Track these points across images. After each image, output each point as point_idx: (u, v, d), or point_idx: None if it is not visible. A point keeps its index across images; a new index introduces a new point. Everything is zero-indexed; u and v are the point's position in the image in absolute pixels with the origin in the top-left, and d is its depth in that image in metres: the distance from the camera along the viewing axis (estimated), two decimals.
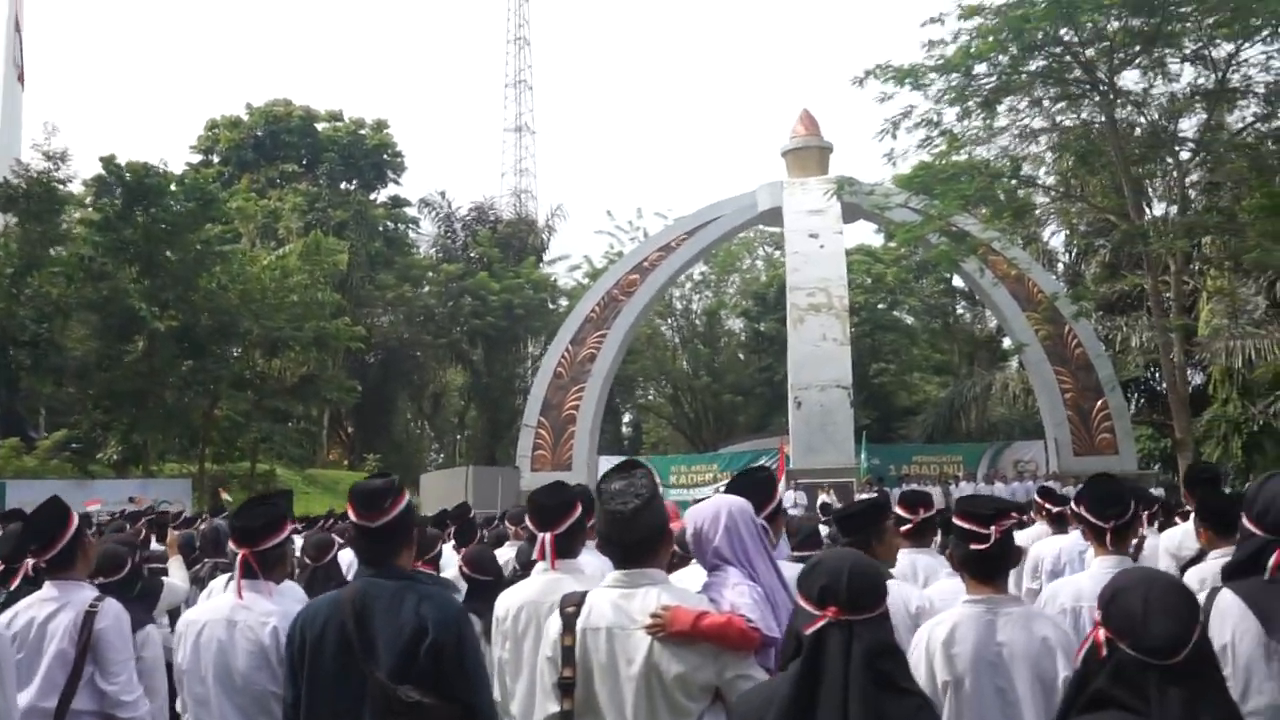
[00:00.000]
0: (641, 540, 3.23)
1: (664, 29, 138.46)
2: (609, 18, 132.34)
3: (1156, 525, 8.36)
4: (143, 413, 25.30)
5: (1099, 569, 4.26)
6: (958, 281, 42.71)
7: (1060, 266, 42.01)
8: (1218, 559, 4.24)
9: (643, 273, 33.22)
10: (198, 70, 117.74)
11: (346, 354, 40.39)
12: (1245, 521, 3.27)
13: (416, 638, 3.22)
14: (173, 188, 24.39)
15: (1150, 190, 31.10)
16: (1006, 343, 39.57)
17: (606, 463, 33.02)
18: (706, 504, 3.69)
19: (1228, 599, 3.19)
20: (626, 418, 55.54)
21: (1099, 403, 30.26)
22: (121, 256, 24.67)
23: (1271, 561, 3.11)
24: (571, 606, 3.23)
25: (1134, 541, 6.44)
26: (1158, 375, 33.43)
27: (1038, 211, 31.21)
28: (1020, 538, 8.68)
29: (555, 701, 3.19)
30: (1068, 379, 30.51)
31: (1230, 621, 3.15)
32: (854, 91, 24.47)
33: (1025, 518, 9.35)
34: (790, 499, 26.48)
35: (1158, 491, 20.86)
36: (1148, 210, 30.80)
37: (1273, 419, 30.16)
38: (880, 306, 46.19)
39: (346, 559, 7.76)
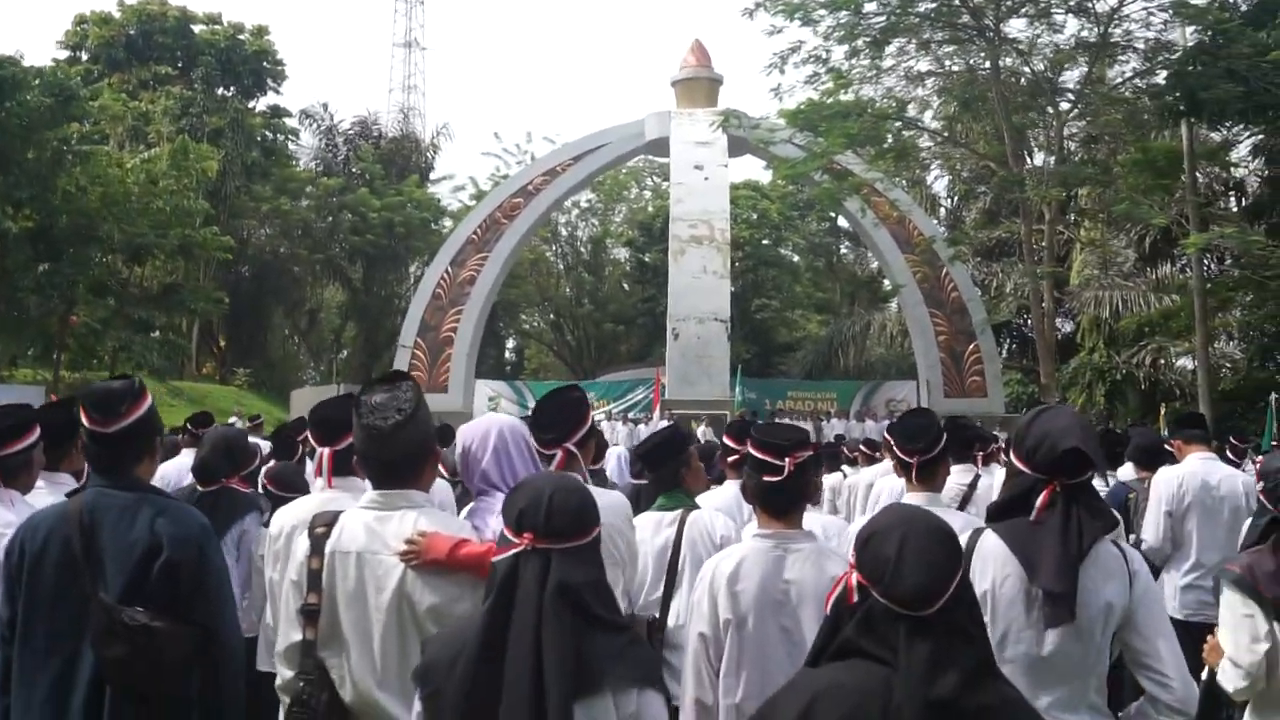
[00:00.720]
0: (401, 459, 2.90)
1: None
2: None
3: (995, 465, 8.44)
4: None
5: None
6: (842, 222, 43.02)
7: (942, 211, 42.68)
8: None
9: (526, 197, 32.74)
10: None
11: (218, 266, 39.20)
12: (1013, 458, 3.11)
13: (150, 555, 2.95)
14: (34, 82, 23.02)
15: (1031, 140, 31.62)
16: (887, 284, 40.07)
17: (484, 387, 32.84)
18: (477, 422, 3.46)
19: (990, 541, 3.04)
20: (511, 343, 55.24)
21: (971, 346, 30.80)
22: None
23: (1039, 502, 2.97)
24: (321, 527, 2.91)
25: (967, 481, 6.45)
26: (1030, 321, 34.16)
27: (922, 155, 31.46)
28: (867, 474, 8.75)
29: (298, 629, 2.89)
30: (942, 322, 30.96)
31: (992, 566, 3.00)
32: (748, 24, 24.17)
33: (878, 454, 9.43)
34: None
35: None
36: (1028, 160, 31.39)
37: (1135, 368, 31.07)
38: (765, 243, 46.31)
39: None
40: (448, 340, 31.90)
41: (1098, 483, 6.19)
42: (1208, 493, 6.14)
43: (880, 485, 7.48)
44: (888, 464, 8.34)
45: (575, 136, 33.71)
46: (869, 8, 23.56)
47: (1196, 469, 6.17)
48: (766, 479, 3.35)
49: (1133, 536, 6.46)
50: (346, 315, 47.52)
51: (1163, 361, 31.16)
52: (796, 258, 49.64)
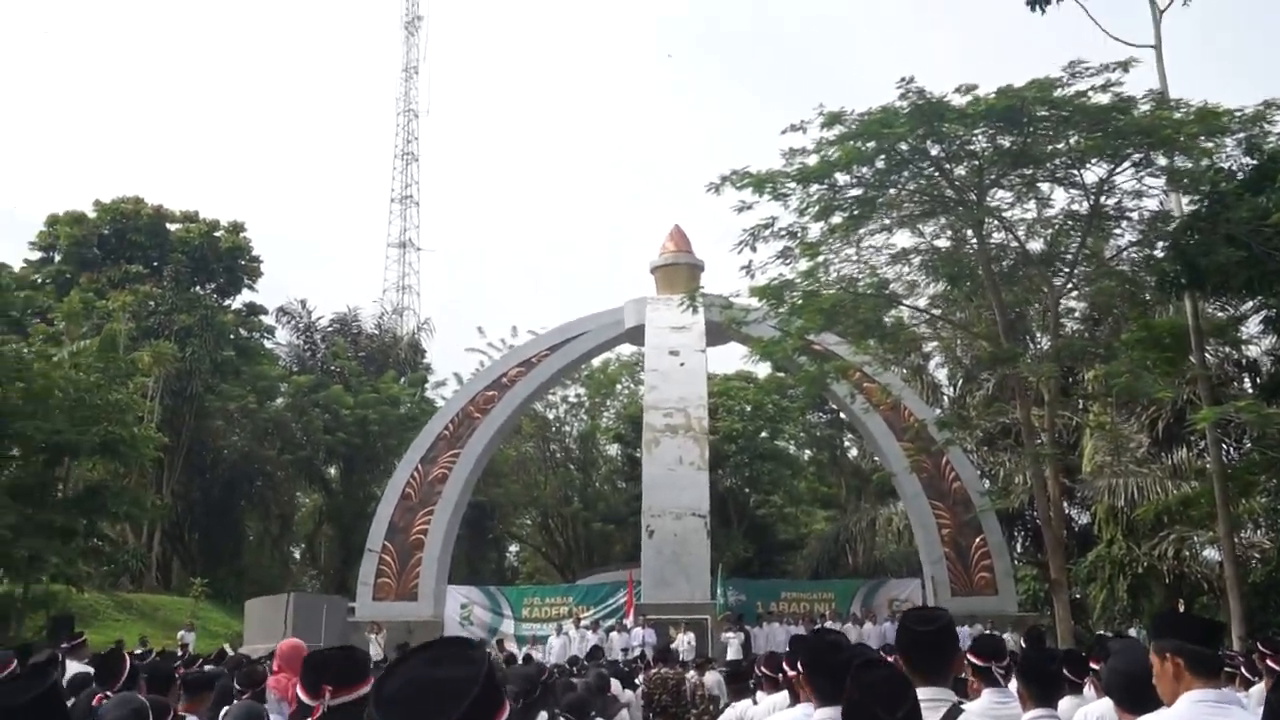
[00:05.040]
0: None
1: (555, 148, 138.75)
2: (498, 135, 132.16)
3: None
4: None
5: None
6: (845, 415, 41.52)
7: (945, 400, 41.09)
8: None
9: (501, 389, 31.22)
10: (54, 164, 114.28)
11: (188, 467, 37.55)
12: None
13: None
14: None
15: (1029, 321, 30.22)
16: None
17: (455, 593, 30.58)
18: None
19: None
20: (514, 548, 53.21)
21: (978, 539, 28.86)
22: None
23: None
24: None
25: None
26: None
27: (912, 337, 30.03)
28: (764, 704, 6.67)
29: None
30: (945, 514, 29.10)
31: None
32: (733, 211, 22.92)
33: (780, 676, 7.25)
34: (639, 636, 24.33)
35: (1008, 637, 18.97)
36: (1026, 341, 29.92)
37: (1157, 560, 28.90)
38: (762, 435, 44.62)
39: None
40: (418, 543, 29.90)
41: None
42: None
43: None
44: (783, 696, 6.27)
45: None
46: (842, 179, 22.38)
47: (1193, 717, 3.35)
48: None
49: None
50: (321, 519, 45.59)
51: (1187, 553, 29.01)
52: (795, 450, 47.98)
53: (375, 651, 20.72)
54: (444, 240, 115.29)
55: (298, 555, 50.31)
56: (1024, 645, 9.87)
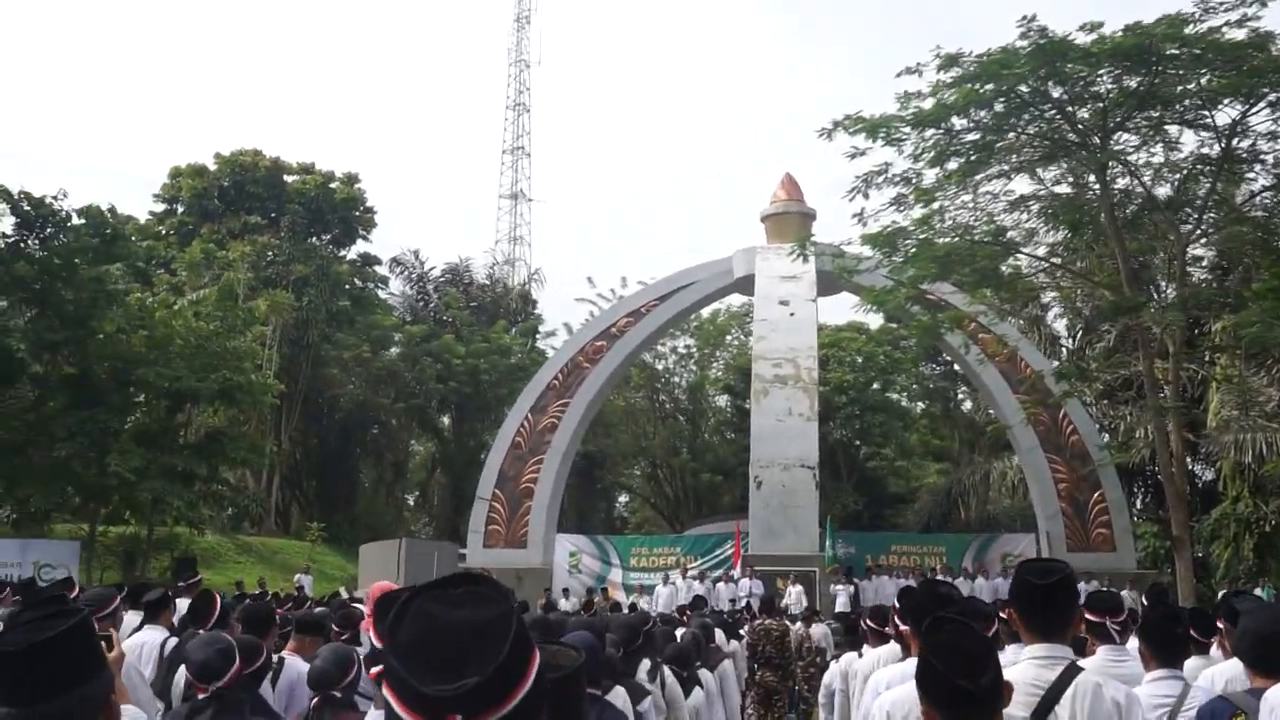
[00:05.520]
0: None
1: (666, 96, 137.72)
2: (609, 85, 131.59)
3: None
4: (24, 466, 23.16)
5: None
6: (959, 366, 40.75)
7: (1064, 352, 40.02)
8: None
9: (610, 339, 31.15)
10: (177, 119, 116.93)
11: (305, 415, 38.35)
12: None
13: None
14: (75, 221, 22.41)
15: (1154, 270, 29.17)
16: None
17: (564, 541, 30.84)
18: None
19: None
20: (623, 498, 53.51)
21: (1095, 495, 28.07)
22: (12, 294, 22.74)
23: None
24: None
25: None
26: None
27: (1033, 287, 29.21)
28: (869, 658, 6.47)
29: None
30: (1061, 468, 28.31)
31: None
32: (844, 159, 22.41)
33: (888, 629, 7.02)
34: (745, 587, 24.24)
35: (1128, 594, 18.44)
36: (1152, 292, 28.90)
37: None
38: (874, 387, 43.98)
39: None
40: (527, 491, 30.13)
41: (1160, 686, 3.94)
42: None
43: (880, 677, 5.16)
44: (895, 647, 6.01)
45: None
46: (959, 123, 21.73)
47: None
48: None
49: None
50: (434, 466, 46.31)
51: None
52: (907, 402, 47.20)
53: None
54: (555, 191, 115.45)
55: (411, 502, 51.25)
56: (1145, 603, 9.45)
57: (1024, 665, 3.33)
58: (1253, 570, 29.18)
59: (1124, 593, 18.81)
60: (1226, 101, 20.81)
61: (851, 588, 24.88)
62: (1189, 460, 28.64)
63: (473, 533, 30.17)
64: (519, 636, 1.53)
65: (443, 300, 45.04)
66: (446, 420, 43.41)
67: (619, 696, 4.98)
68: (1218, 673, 4.72)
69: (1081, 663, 3.63)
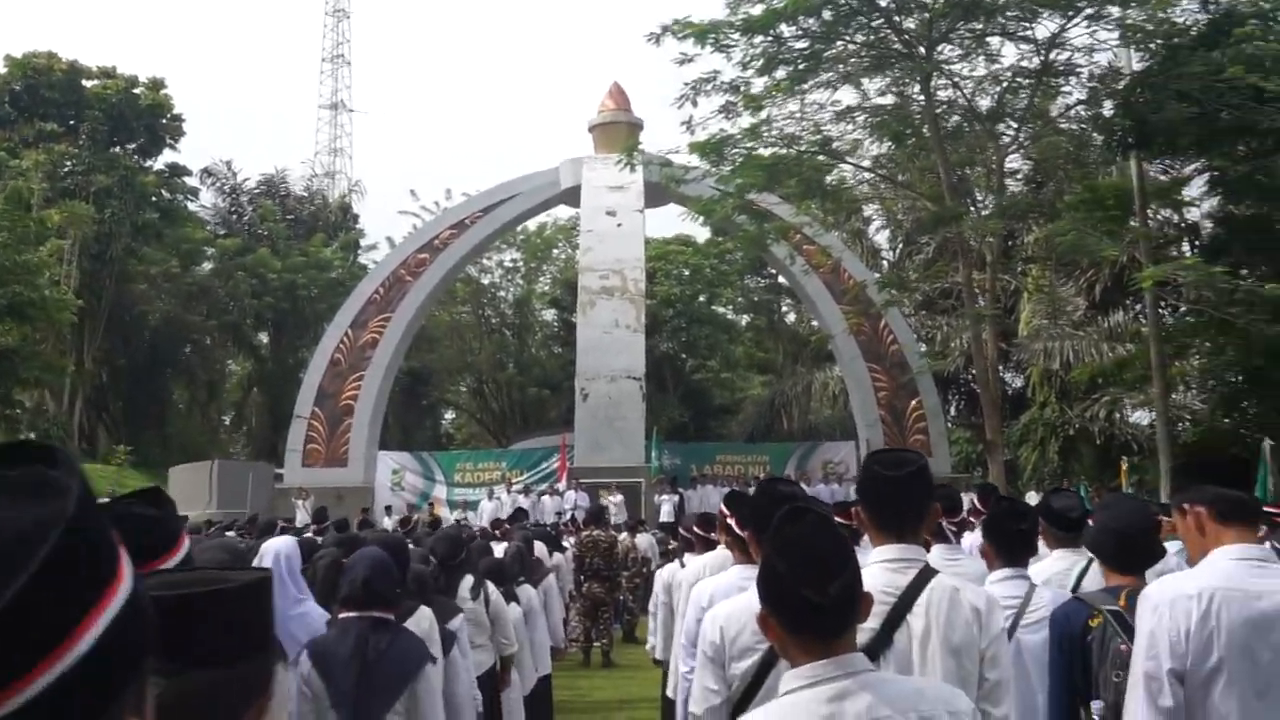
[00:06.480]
0: None
1: (491, 3, 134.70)
2: None
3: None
4: None
5: None
6: (784, 279, 41.17)
7: (884, 265, 40.81)
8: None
9: (433, 252, 30.29)
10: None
11: (110, 333, 36.35)
12: None
13: None
14: None
15: (971, 183, 29.74)
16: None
17: (386, 459, 30.11)
18: None
19: None
20: (449, 415, 52.69)
21: (914, 402, 28.80)
22: None
23: None
24: None
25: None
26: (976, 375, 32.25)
27: (857, 198, 29.48)
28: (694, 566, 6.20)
29: None
30: (882, 376, 28.94)
31: None
32: (675, 68, 21.93)
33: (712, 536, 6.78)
34: (571, 500, 24.06)
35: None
36: (970, 205, 29.48)
37: (1089, 422, 29.12)
38: (701, 300, 44.13)
39: None
40: (347, 409, 29.27)
41: (1007, 586, 3.74)
42: (1260, 634, 2.88)
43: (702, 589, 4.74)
44: (721, 554, 5.67)
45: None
46: (789, 32, 21.47)
47: (1233, 578, 2.88)
48: None
49: (1095, 707, 3.38)
50: (251, 385, 44.67)
51: (1118, 415, 29.19)
52: (733, 315, 47.59)
53: (301, 517, 20.25)
54: (378, 102, 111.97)
55: (227, 422, 49.48)
56: (977, 503, 9.47)
57: (874, 569, 2.91)
58: (1058, 472, 30.41)
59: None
60: (1046, 14, 21.06)
61: (676, 497, 24.95)
62: (1001, 368, 29.55)
63: (291, 451, 29.26)
64: (72, 560, 0.79)
65: (258, 213, 43.03)
66: (264, 337, 41.79)
67: (425, 618, 4.56)
68: (1040, 570, 4.55)
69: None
